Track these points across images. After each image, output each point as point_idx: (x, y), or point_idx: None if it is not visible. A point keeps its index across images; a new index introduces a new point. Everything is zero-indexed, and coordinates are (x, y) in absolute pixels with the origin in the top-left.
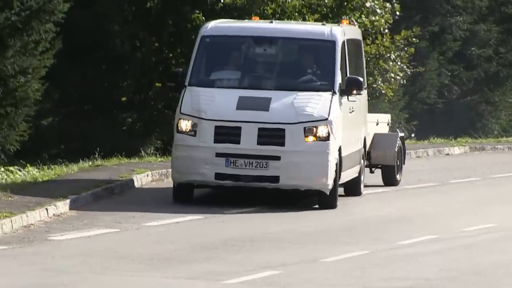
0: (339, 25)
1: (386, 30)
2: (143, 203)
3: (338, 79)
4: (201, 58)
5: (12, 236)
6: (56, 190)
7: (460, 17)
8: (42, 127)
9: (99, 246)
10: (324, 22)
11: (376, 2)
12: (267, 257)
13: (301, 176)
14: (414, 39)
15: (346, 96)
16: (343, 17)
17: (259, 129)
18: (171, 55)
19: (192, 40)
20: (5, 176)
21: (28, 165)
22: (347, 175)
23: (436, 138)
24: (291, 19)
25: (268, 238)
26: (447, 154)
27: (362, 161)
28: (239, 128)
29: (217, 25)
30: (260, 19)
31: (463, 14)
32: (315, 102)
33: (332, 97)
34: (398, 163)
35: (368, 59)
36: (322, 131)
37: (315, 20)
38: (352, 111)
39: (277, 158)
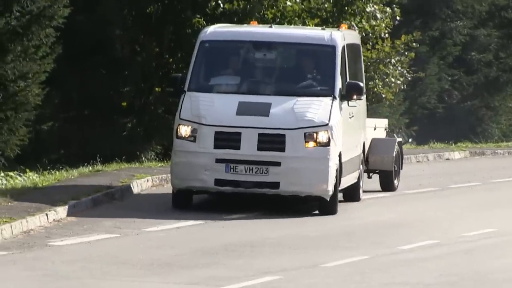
0: (338, 29)
1: (387, 35)
2: (143, 208)
3: (338, 84)
4: (200, 63)
5: (12, 241)
6: (56, 195)
7: (460, 22)
8: (42, 132)
9: (99, 252)
10: (324, 27)
11: (376, 7)
12: (267, 262)
13: (301, 182)
14: (414, 43)
15: (346, 101)
16: (343, 22)
17: (259, 134)
18: (171, 60)
19: (193, 44)
20: (5, 182)
21: (28, 170)
22: (347, 181)
23: (436, 143)
24: (291, 24)
25: (268, 244)
26: (447, 159)
27: (361, 166)
28: (239, 133)
29: (216, 30)
30: (261, 24)
31: (463, 19)
32: (315, 108)
33: (332, 102)
34: (395, 168)
35: (369, 63)
36: (322, 136)
37: (315, 25)
38: (352, 116)
39: (278, 164)
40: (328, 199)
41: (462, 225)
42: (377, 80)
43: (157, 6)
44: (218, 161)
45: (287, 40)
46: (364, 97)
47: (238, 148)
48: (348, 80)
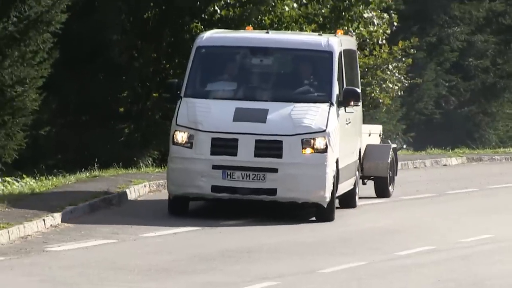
0: (335, 35)
1: (384, 41)
2: (141, 214)
3: (336, 90)
4: (197, 69)
5: (9, 247)
6: (54, 201)
7: (457, 28)
8: (40, 137)
9: (96, 257)
10: (321, 32)
11: (374, 13)
12: (264, 268)
13: (298, 189)
14: (411, 49)
15: (343, 108)
16: (340, 28)
17: (256, 141)
18: (168, 65)
19: (190, 50)
20: (2, 187)
21: (25, 175)
22: (343, 187)
23: (433, 149)
24: (288, 29)
25: (266, 249)
26: (445, 165)
27: (357, 172)
28: (236, 140)
29: (212, 36)
30: (258, 29)
31: (460, 25)
32: (312, 114)
33: (329, 109)
34: (390, 175)
35: (366, 69)
36: (319, 143)
37: (313, 31)
38: (349, 122)
39: (275, 170)
40: (326, 206)
41: (460, 231)
42: (374, 86)
43: (155, 12)
44: (215, 167)
45: (283, 45)
46: (360, 103)
47: (235, 154)
48: (344, 86)
